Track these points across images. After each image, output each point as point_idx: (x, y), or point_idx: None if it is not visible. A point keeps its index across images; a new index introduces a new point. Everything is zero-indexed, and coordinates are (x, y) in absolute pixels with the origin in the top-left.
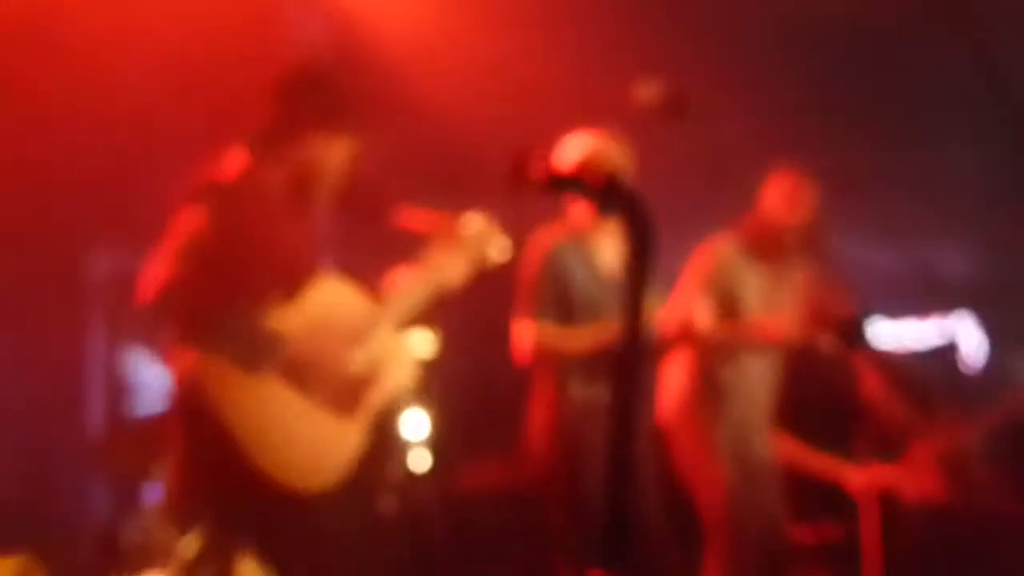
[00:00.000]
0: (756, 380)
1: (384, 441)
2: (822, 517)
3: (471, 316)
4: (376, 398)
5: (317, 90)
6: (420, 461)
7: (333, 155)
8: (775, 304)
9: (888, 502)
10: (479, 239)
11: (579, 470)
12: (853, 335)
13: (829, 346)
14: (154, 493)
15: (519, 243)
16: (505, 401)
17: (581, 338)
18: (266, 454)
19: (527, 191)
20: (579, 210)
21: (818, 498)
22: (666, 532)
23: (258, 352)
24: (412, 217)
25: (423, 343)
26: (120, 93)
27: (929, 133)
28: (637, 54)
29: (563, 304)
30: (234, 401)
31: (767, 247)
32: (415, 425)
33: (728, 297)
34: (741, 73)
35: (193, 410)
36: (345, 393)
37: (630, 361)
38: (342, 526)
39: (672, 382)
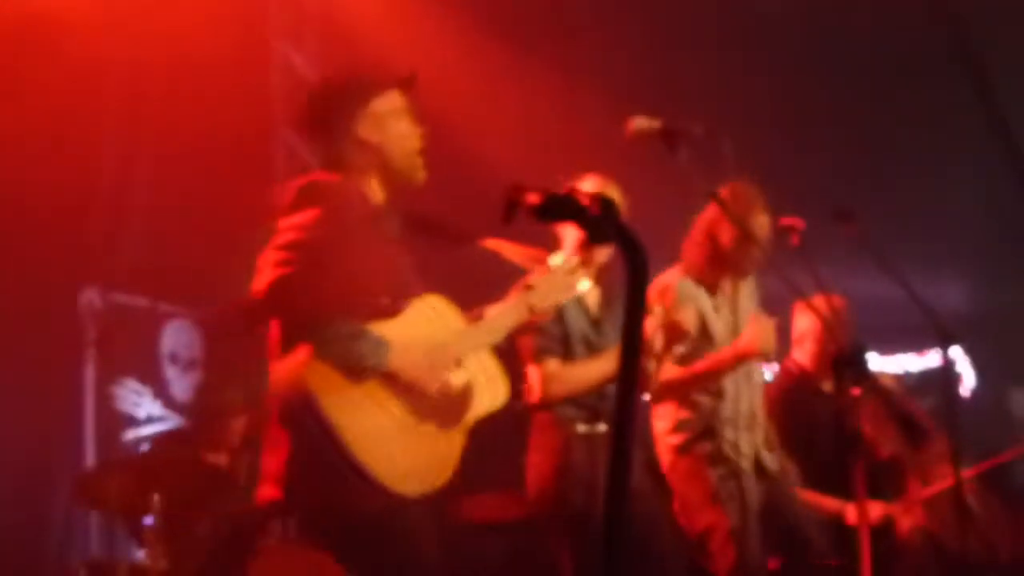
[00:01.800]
0: (743, 408)
1: None
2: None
3: None
4: (472, 416)
5: (338, 85)
6: None
7: (382, 125)
8: (737, 325)
9: (884, 535)
10: (570, 275)
11: (582, 504)
12: (847, 367)
13: (824, 379)
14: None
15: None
16: (506, 435)
17: (591, 370)
18: (373, 457)
19: (521, 217)
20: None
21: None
22: (683, 564)
23: (364, 359)
24: (502, 246)
25: None
26: (111, 115)
27: (924, 165)
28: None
29: (564, 342)
30: (341, 405)
31: (713, 266)
32: None
33: (696, 328)
34: (737, 108)
35: (299, 411)
36: (443, 407)
37: (629, 390)
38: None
39: (660, 426)
